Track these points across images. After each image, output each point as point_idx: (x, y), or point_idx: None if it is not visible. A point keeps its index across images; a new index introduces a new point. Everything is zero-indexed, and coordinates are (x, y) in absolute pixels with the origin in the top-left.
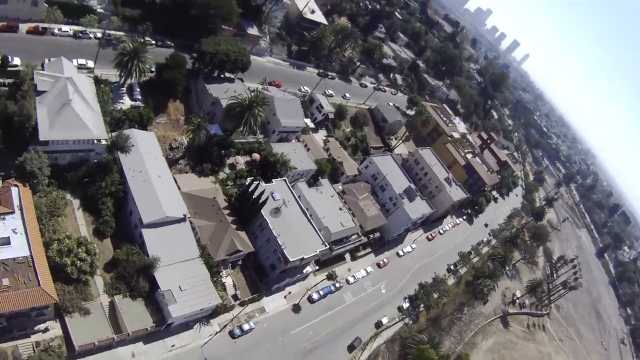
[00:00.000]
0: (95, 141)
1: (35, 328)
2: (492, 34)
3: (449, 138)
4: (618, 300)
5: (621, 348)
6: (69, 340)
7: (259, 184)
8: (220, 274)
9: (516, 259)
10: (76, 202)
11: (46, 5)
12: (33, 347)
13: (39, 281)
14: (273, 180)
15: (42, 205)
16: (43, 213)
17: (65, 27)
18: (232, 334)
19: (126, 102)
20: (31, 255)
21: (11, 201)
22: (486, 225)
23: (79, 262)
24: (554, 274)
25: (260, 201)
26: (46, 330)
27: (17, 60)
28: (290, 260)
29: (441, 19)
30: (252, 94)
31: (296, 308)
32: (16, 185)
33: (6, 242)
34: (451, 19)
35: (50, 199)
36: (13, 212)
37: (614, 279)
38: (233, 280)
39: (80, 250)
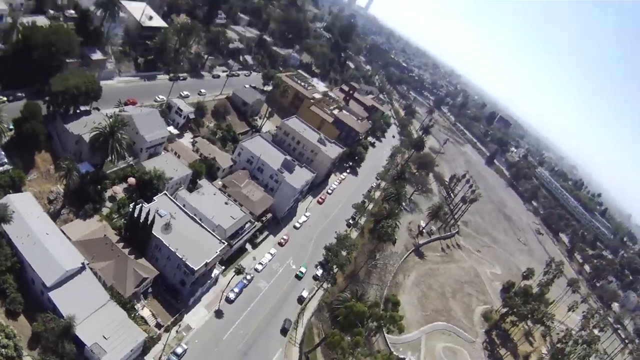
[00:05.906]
0: None
1: None
2: None
3: (312, 101)
4: (521, 197)
5: (539, 238)
6: None
7: (142, 206)
8: (136, 308)
9: (410, 192)
10: None
11: None
12: None
13: None
14: (155, 198)
15: None
16: None
17: None
18: None
19: None
20: None
21: None
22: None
23: (3, 349)
24: (451, 194)
25: (149, 222)
26: None
27: None
28: (196, 269)
29: None
30: (111, 119)
31: (218, 313)
32: None
33: None
34: None
35: None
36: None
37: (511, 180)
38: (150, 310)
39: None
